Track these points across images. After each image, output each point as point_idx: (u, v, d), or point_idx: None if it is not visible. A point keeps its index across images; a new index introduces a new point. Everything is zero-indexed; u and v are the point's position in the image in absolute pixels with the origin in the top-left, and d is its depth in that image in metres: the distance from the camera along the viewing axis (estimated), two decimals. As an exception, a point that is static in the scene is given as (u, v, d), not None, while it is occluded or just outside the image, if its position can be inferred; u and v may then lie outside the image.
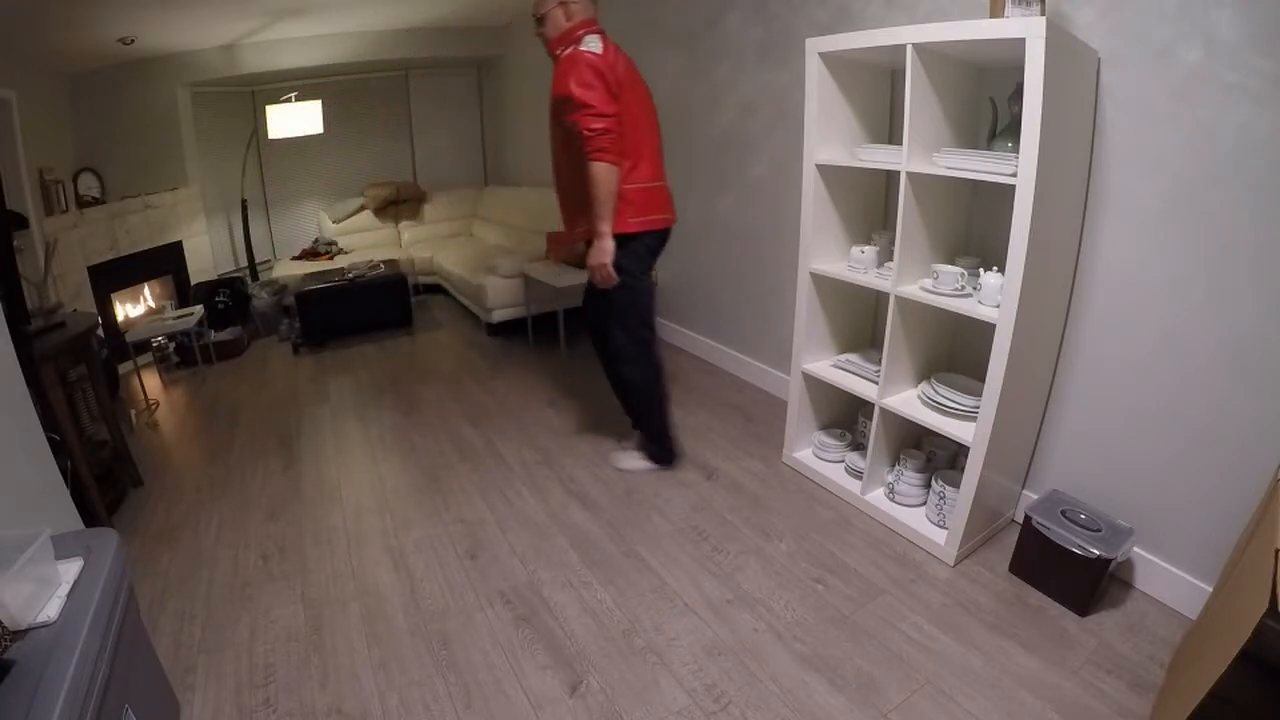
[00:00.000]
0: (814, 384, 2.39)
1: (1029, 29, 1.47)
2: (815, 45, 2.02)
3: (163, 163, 4.68)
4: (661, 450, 2.53)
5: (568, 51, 2.21)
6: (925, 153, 1.84)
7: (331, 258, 5.26)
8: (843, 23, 2.39)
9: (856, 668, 1.61)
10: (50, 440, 1.80)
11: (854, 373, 2.26)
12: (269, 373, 3.93)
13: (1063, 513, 1.81)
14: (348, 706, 1.57)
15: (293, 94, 5.01)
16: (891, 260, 1.96)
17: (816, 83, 2.06)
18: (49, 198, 3.63)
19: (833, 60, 2.04)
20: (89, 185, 4.15)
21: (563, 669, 1.65)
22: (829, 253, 2.25)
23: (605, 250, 2.14)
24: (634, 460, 2.56)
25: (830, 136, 2.13)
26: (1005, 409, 1.75)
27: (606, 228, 2.12)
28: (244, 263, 5.33)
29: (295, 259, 5.30)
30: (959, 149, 1.82)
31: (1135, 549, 1.80)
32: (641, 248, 2.25)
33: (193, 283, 4.65)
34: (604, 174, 2.07)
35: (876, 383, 2.09)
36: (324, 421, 3.18)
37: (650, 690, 1.58)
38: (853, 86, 2.11)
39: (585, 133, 2.07)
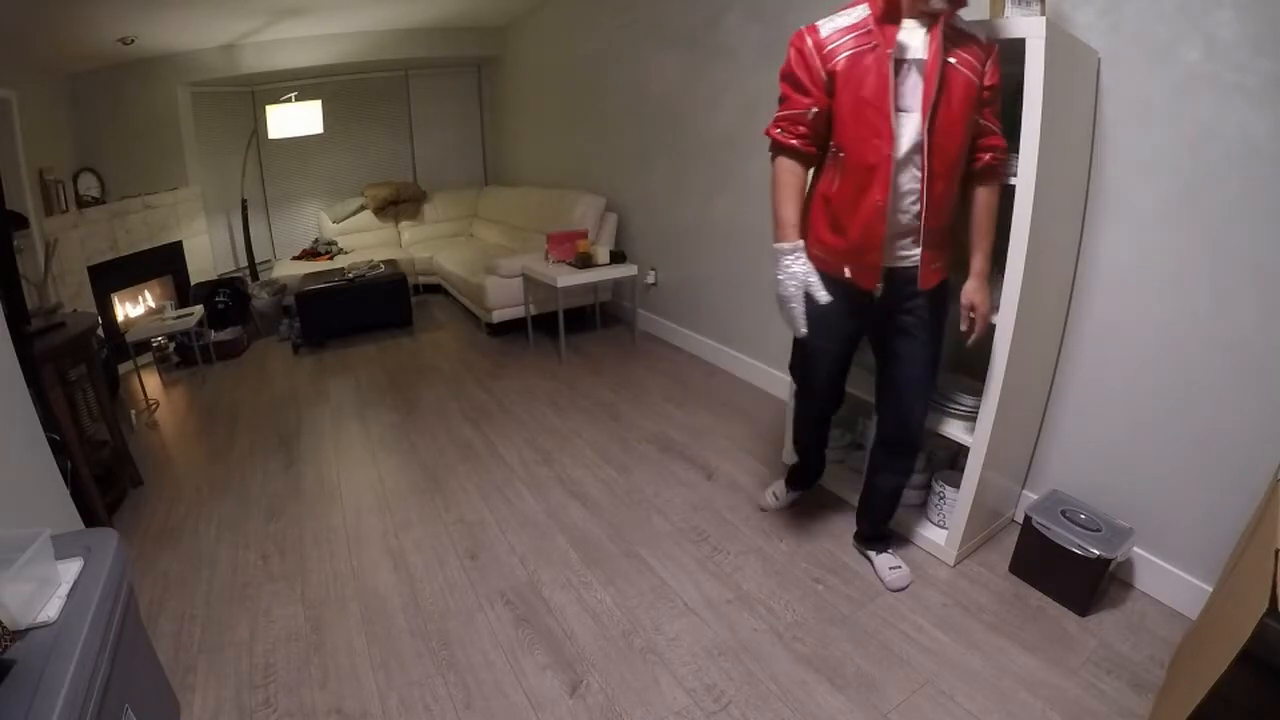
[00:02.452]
0: (814, 384, 2.39)
1: (1029, 29, 1.47)
2: (815, 45, 2.02)
3: (163, 163, 4.68)
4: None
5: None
6: (925, 153, 1.83)
7: (331, 258, 5.26)
8: (843, 23, 2.39)
9: (856, 668, 1.61)
10: (50, 440, 1.80)
11: (854, 373, 2.26)
12: (269, 373, 3.93)
13: (1063, 513, 1.81)
14: (348, 706, 1.57)
15: (293, 94, 5.02)
16: (891, 260, 1.96)
17: (816, 83, 2.05)
18: (49, 198, 3.63)
19: (833, 60, 2.03)
20: (89, 185, 4.16)
21: (563, 669, 1.65)
22: (829, 253, 2.24)
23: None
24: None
25: (830, 136, 2.13)
26: (1005, 409, 1.75)
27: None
28: (244, 263, 5.33)
29: (295, 259, 5.31)
30: (959, 149, 1.81)
31: (1135, 549, 1.80)
32: None
33: (193, 283, 4.66)
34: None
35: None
36: (324, 421, 3.18)
37: (650, 690, 1.58)
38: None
39: (1003, 147, 1.57)
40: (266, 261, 5.50)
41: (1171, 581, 1.75)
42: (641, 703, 1.54)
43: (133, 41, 3.97)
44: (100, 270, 3.95)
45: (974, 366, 2.03)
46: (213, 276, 4.89)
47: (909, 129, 1.46)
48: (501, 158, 6.33)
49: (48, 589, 1.05)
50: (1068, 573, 1.74)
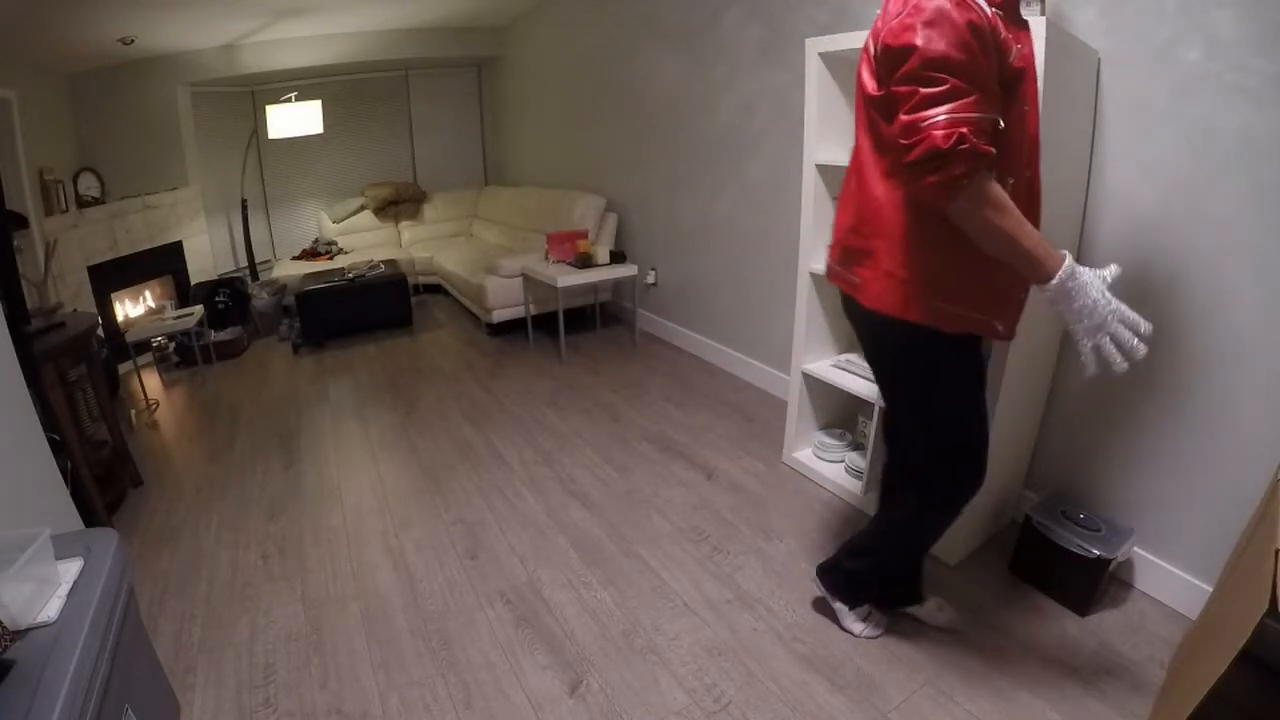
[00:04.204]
0: (814, 384, 2.39)
1: (1029, 29, 1.47)
2: (815, 45, 2.02)
3: (163, 163, 4.68)
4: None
5: None
6: (925, 153, 1.83)
7: (331, 258, 5.26)
8: (842, 23, 2.39)
9: (856, 668, 1.61)
10: (50, 440, 1.80)
11: (854, 373, 2.26)
12: (269, 373, 3.93)
13: (1063, 513, 1.81)
14: (348, 706, 1.57)
15: (293, 94, 5.02)
16: (891, 260, 1.95)
17: (816, 83, 2.06)
18: (49, 198, 3.63)
19: (833, 60, 2.04)
20: (89, 185, 4.16)
21: (563, 669, 1.65)
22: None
23: None
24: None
25: (830, 136, 2.13)
26: (1005, 409, 1.75)
27: None
28: (244, 263, 5.33)
29: (295, 259, 5.31)
30: (959, 149, 1.81)
31: (1135, 549, 1.80)
32: None
33: (193, 283, 4.66)
34: None
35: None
36: (324, 421, 3.18)
37: (650, 690, 1.58)
38: (853, 86, 2.11)
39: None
40: (266, 261, 5.50)
41: (1171, 581, 1.75)
42: (641, 703, 1.54)
43: (133, 41, 3.97)
44: (100, 270, 3.95)
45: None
46: (213, 276, 4.89)
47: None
48: (501, 158, 6.33)
49: (48, 589, 1.05)
50: (1068, 573, 1.74)
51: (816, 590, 1.76)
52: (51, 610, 1.02)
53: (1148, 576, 1.81)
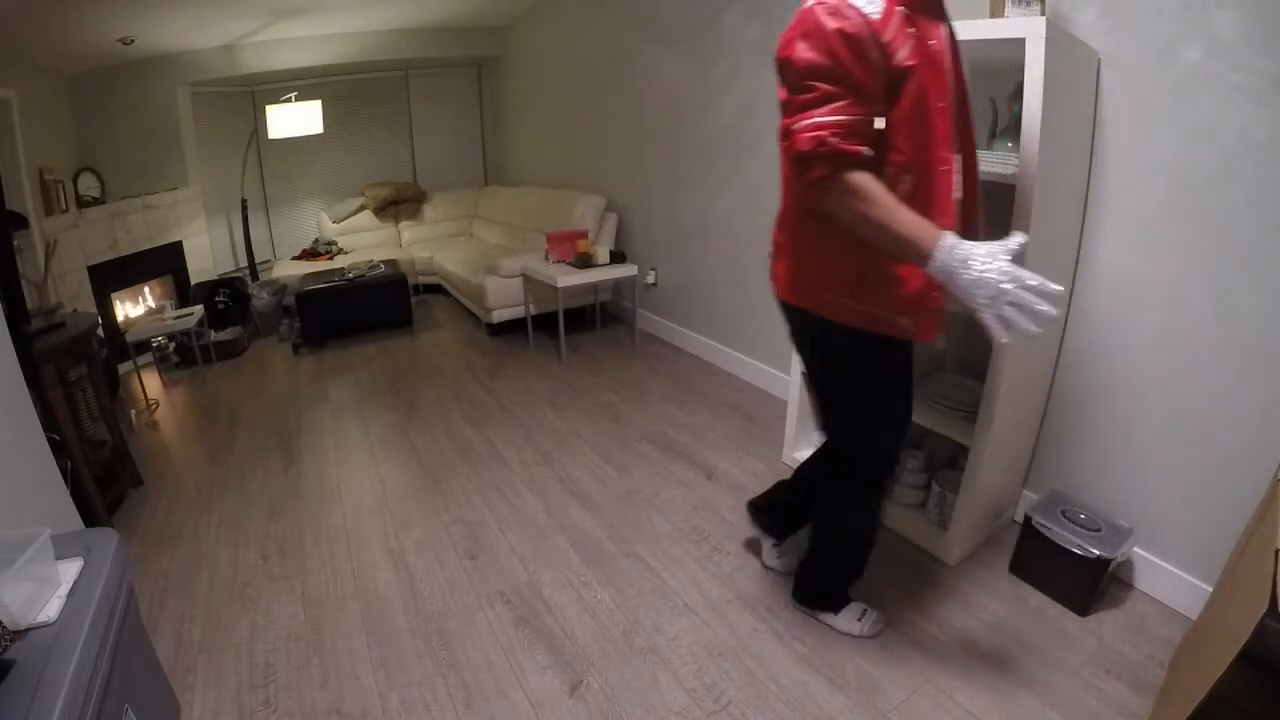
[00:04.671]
0: (814, 384, 2.39)
1: (1029, 29, 1.47)
2: (815, 45, 2.02)
3: (163, 163, 4.68)
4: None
5: None
6: (925, 153, 1.83)
7: (331, 258, 5.26)
8: (843, 23, 2.39)
9: (856, 668, 1.61)
10: (50, 440, 1.80)
11: (854, 373, 2.26)
12: (269, 373, 3.93)
13: (1063, 513, 1.81)
14: (348, 706, 1.57)
15: (293, 94, 5.02)
16: (891, 260, 1.96)
17: (816, 83, 2.05)
18: (49, 198, 3.63)
19: (833, 60, 2.03)
20: (89, 185, 4.16)
21: (563, 669, 1.65)
22: (829, 253, 2.24)
23: None
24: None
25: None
26: (1005, 409, 1.75)
27: None
28: (244, 263, 5.33)
29: (295, 259, 5.31)
30: (959, 149, 1.81)
31: (1135, 549, 1.80)
32: None
33: (193, 283, 4.66)
34: None
35: (876, 383, 2.08)
36: (324, 421, 3.18)
37: (650, 690, 1.58)
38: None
39: None
40: (266, 261, 5.50)
41: (1171, 581, 1.75)
42: (641, 703, 1.54)
43: (133, 41, 3.97)
44: (100, 270, 3.95)
45: (974, 366, 2.03)
46: (213, 276, 4.89)
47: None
48: (501, 158, 6.33)
49: (48, 589, 1.05)
50: (1068, 573, 1.74)
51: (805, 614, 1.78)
52: (51, 610, 1.02)
53: (1148, 576, 1.81)
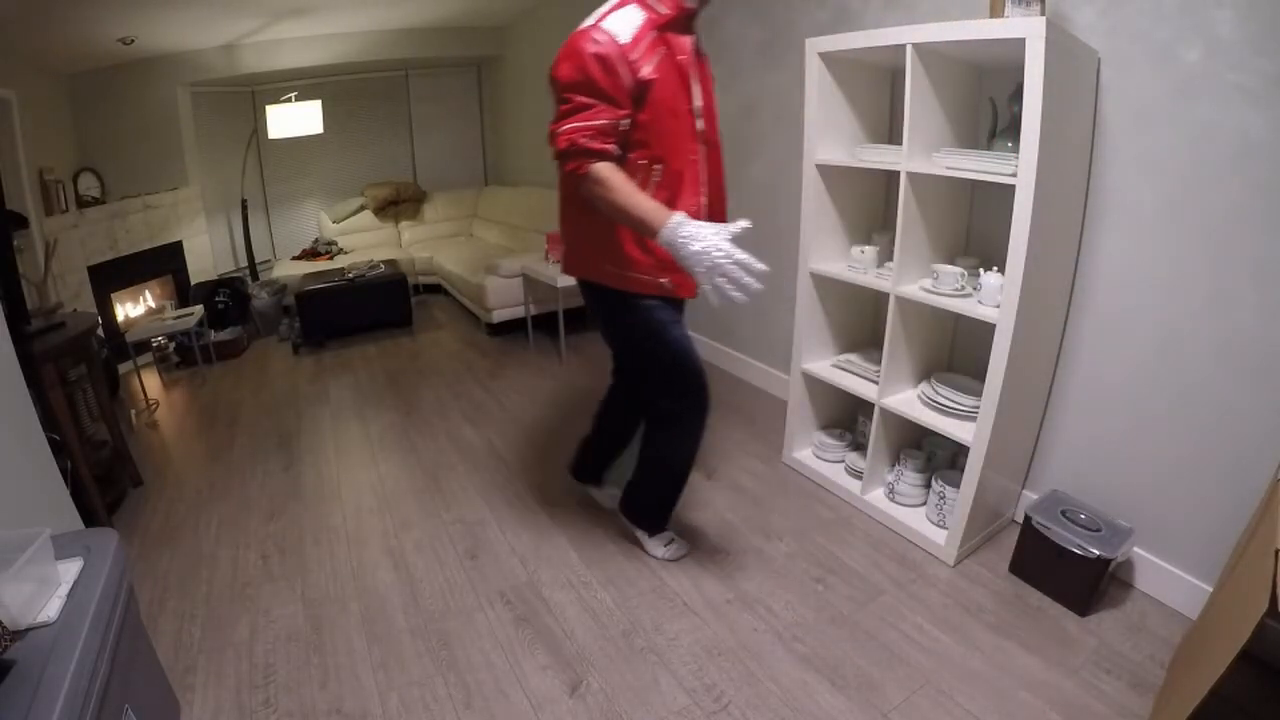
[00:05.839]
0: (814, 384, 2.39)
1: (1029, 29, 1.47)
2: (815, 45, 2.02)
3: (163, 163, 4.67)
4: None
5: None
6: (925, 153, 1.84)
7: (331, 258, 5.26)
8: (843, 23, 2.39)
9: (856, 668, 1.61)
10: (50, 440, 1.80)
11: (854, 373, 2.26)
12: (269, 373, 3.93)
13: (1063, 513, 1.81)
14: (348, 706, 1.57)
15: (293, 94, 5.01)
16: (891, 260, 1.96)
17: (816, 83, 2.06)
18: (49, 198, 3.63)
19: (833, 60, 2.04)
20: (89, 185, 4.15)
21: (563, 669, 1.65)
22: (829, 253, 2.25)
23: None
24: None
25: (830, 136, 2.13)
26: (1005, 409, 1.75)
27: None
28: (244, 263, 5.33)
29: (295, 259, 5.31)
30: (959, 149, 1.82)
31: (1135, 549, 1.80)
32: None
33: (193, 283, 4.65)
34: None
35: (876, 383, 2.09)
36: (324, 421, 3.18)
37: (650, 690, 1.58)
38: (853, 86, 2.11)
39: None
40: (266, 261, 5.49)
41: (1171, 581, 1.75)
42: (641, 703, 1.54)
43: (133, 41, 3.97)
44: (100, 270, 3.95)
45: (974, 366, 2.03)
46: (213, 276, 4.88)
47: (701, 129, 1.59)
48: (501, 158, 6.32)
49: (48, 589, 1.05)
50: (1068, 573, 1.74)
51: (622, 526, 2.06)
52: (51, 610, 1.02)
53: (1148, 576, 1.81)
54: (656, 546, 2.01)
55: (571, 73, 1.43)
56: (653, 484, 1.96)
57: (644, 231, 1.43)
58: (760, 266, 1.33)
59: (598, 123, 1.42)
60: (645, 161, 1.51)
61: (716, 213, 1.69)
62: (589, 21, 1.45)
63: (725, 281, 1.33)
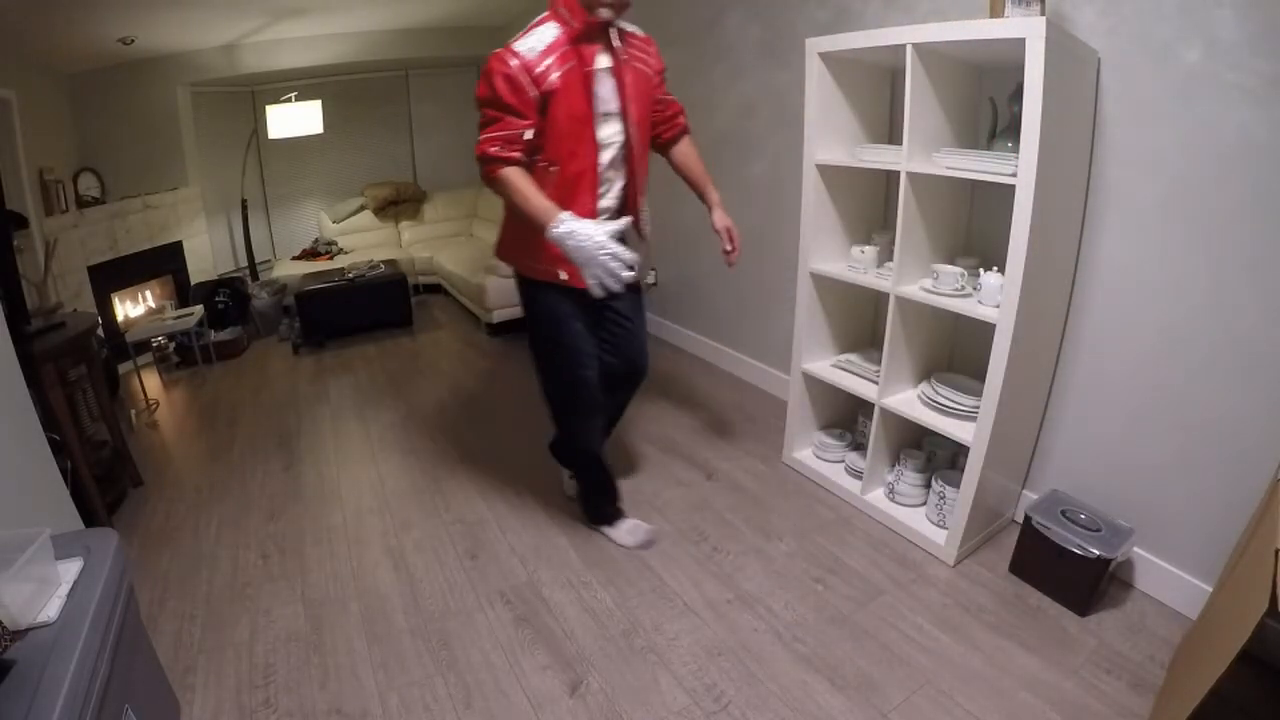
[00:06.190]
0: (814, 384, 2.39)
1: (1029, 29, 1.47)
2: (815, 45, 2.02)
3: (163, 163, 4.67)
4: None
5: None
6: (925, 153, 1.84)
7: (331, 258, 5.26)
8: (843, 23, 2.39)
9: (856, 668, 1.61)
10: (50, 440, 1.80)
11: (854, 373, 2.26)
12: (269, 373, 3.93)
13: (1063, 513, 1.81)
14: (348, 706, 1.57)
15: (293, 94, 5.01)
16: (891, 260, 1.96)
17: (816, 83, 2.06)
18: (49, 198, 3.63)
19: (833, 60, 2.04)
20: (89, 185, 4.15)
21: (563, 669, 1.65)
22: (829, 253, 2.25)
23: None
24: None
25: (830, 136, 2.13)
26: (1005, 409, 1.75)
27: None
28: (244, 263, 5.33)
29: (295, 259, 5.31)
30: (959, 149, 1.82)
31: (1135, 549, 1.80)
32: None
33: (193, 283, 4.65)
34: None
35: (876, 383, 2.09)
36: (324, 421, 3.18)
37: (650, 690, 1.58)
38: (853, 86, 2.11)
39: (682, 109, 2.03)
40: (266, 261, 5.49)
41: (1171, 581, 1.75)
42: (641, 703, 1.54)
43: (133, 41, 3.97)
44: (100, 270, 3.94)
45: (974, 366, 2.03)
46: (213, 276, 4.88)
47: (611, 132, 1.70)
48: (501, 158, 6.31)
49: (48, 589, 1.05)
50: (1068, 573, 1.74)
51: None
52: (51, 610, 1.02)
53: (1148, 576, 1.81)
54: (620, 534, 2.12)
55: (485, 90, 1.61)
56: (559, 449, 2.24)
57: (540, 226, 1.59)
58: (630, 256, 1.53)
59: (505, 133, 1.60)
60: (544, 164, 1.68)
61: (631, 208, 1.83)
62: (511, 41, 1.61)
63: (602, 272, 1.53)
